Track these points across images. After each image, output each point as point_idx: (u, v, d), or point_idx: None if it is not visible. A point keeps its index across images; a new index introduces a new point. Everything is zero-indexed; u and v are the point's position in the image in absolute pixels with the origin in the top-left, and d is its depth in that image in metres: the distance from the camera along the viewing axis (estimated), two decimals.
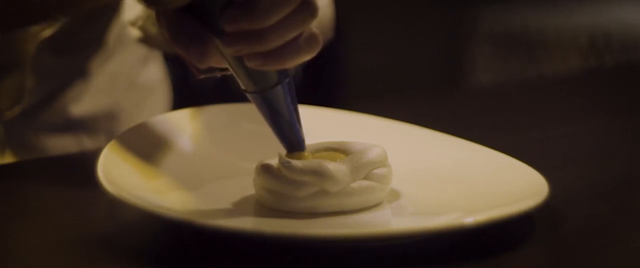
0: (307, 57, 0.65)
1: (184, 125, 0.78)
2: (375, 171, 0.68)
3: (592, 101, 1.05)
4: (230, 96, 0.80)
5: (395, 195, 0.70)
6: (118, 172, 0.68)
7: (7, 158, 0.92)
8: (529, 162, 0.70)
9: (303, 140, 0.69)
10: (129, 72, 1.01)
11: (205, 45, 0.64)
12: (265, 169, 0.67)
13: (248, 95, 0.67)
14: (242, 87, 0.67)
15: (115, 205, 0.65)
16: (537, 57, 2.24)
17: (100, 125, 0.98)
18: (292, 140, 0.68)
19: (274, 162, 0.67)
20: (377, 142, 0.70)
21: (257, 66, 0.65)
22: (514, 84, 1.56)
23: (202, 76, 0.69)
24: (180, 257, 0.61)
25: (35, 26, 0.88)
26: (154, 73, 1.05)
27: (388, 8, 2.19)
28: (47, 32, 0.90)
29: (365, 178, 0.67)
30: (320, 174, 0.65)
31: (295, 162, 0.66)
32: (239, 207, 0.68)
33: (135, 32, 0.93)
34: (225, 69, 0.68)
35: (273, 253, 0.60)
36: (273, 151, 0.68)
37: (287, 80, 0.67)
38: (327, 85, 1.99)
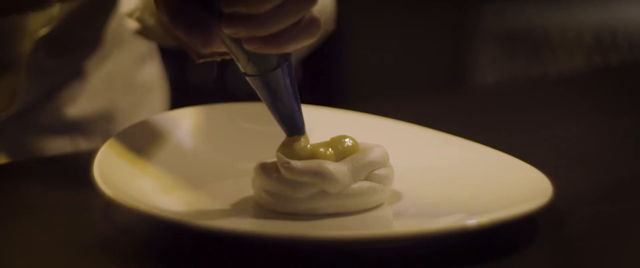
0: (307, 42, 0.64)
1: (181, 125, 0.78)
2: (376, 172, 0.67)
3: (597, 100, 1.04)
4: (230, 96, 0.79)
5: (396, 196, 0.69)
6: (114, 173, 0.68)
7: (2, 159, 0.92)
8: (532, 163, 0.69)
9: (303, 124, 0.68)
10: (125, 72, 1.01)
11: (208, 30, 0.62)
12: (264, 170, 0.67)
13: (247, 79, 0.67)
14: (242, 69, 0.66)
15: (112, 206, 0.65)
16: (541, 56, 2.24)
17: (96, 127, 0.98)
18: (291, 123, 0.68)
19: (273, 162, 0.67)
20: (378, 142, 0.69)
21: (256, 49, 0.64)
22: (518, 83, 1.56)
23: (202, 60, 0.68)
24: (178, 258, 0.61)
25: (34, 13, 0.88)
26: (151, 73, 1.05)
27: (390, 6, 2.18)
28: (44, 30, 0.90)
29: (366, 179, 0.67)
30: (320, 175, 0.65)
31: (295, 163, 0.65)
32: (238, 208, 0.68)
33: (132, 24, 0.93)
34: (226, 53, 0.67)
35: (272, 255, 0.60)
36: (272, 151, 0.68)
37: (286, 63, 0.66)
38: (327, 84, 1.99)
